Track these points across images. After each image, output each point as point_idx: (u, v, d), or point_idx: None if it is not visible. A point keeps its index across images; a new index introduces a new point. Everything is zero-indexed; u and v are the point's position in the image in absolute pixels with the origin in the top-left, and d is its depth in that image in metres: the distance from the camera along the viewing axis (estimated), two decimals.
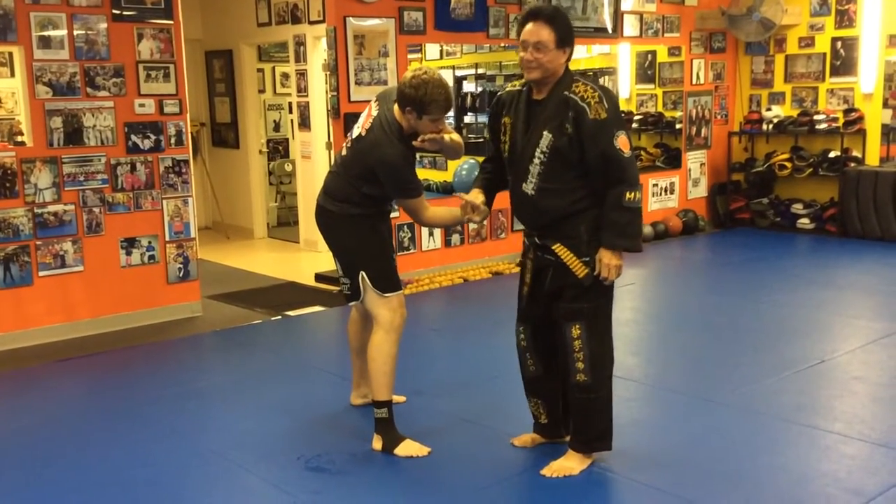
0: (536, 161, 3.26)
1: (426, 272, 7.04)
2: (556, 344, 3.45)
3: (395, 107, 3.59)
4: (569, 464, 3.43)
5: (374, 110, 3.67)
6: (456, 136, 3.73)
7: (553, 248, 3.31)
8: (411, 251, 7.09)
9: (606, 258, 3.24)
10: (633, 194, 3.20)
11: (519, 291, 3.56)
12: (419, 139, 3.58)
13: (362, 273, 3.70)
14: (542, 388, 3.57)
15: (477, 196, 3.56)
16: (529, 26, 3.23)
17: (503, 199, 3.66)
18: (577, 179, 3.25)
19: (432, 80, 3.49)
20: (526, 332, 3.53)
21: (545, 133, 3.24)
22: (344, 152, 3.77)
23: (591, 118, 3.16)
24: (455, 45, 10.58)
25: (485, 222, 7.37)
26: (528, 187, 3.31)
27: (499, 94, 3.54)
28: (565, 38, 3.25)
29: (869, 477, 3.37)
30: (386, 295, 3.70)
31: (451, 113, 11.31)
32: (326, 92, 7.46)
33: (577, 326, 3.31)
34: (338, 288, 4.57)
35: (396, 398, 3.94)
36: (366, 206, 3.69)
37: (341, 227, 3.74)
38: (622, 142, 3.19)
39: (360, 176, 3.64)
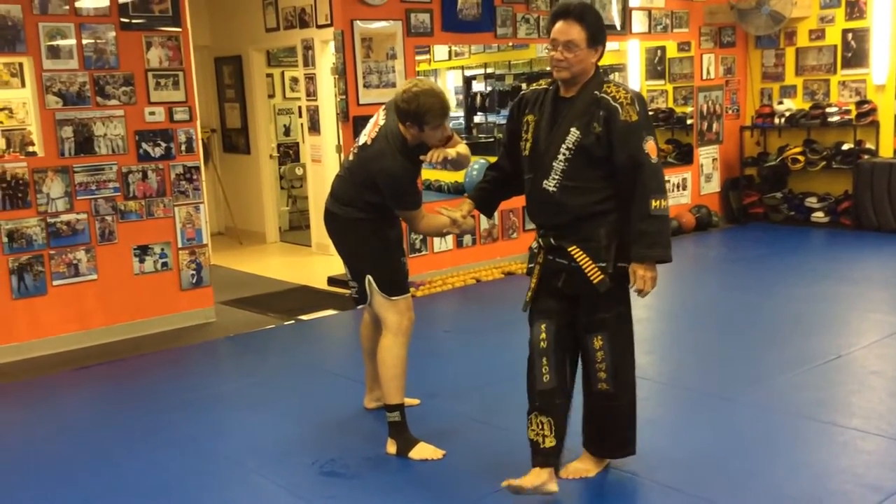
0: (561, 157, 3.16)
1: (438, 273, 7.03)
2: (574, 348, 3.33)
3: None
4: (585, 466, 3.41)
5: (381, 119, 3.67)
6: (462, 149, 3.72)
7: (569, 249, 3.19)
8: (423, 253, 7.08)
9: (641, 271, 3.13)
10: (659, 202, 3.10)
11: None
12: (427, 157, 3.58)
13: (369, 277, 3.70)
14: (553, 404, 3.21)
15: (461, 208, 3.57)
16: (559, 24, 3.12)
17: (513, 199, 3.64)
18: (602, 180, 3.16)
19: (423, 90, 3.47)
20: (548, 332, 3.23)
21: (572, 129, 3.14)
22: (351, 157, 3.77)
23: (623, 120, 3.09)
24: (463, 46, 10.57)
25: (496, 222, 7.41)
26: (550, 184, 3.19)
27: (522, 93, 3.42)
28: (597, 37, 3.14)
29: (888, 472, 3.34)
30: (393, 298, 3.70)
31: (460, 114, 11.30)
32: (335, 95, 7.47)
33: (600, 337, 3.23)
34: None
35: (410, 401, 3.93)
36: (370, 212, 3.69)
37: (347, 230, 3.75)
38: (650, 147, 3.11)
39: (362, 184, 3.64)
